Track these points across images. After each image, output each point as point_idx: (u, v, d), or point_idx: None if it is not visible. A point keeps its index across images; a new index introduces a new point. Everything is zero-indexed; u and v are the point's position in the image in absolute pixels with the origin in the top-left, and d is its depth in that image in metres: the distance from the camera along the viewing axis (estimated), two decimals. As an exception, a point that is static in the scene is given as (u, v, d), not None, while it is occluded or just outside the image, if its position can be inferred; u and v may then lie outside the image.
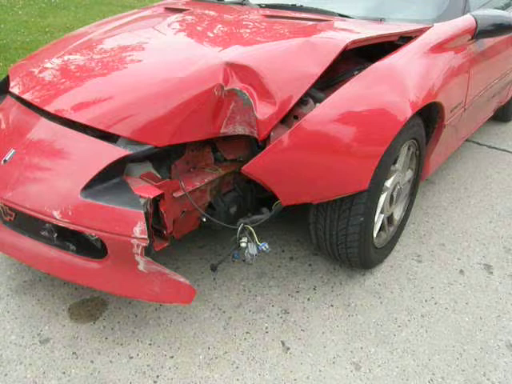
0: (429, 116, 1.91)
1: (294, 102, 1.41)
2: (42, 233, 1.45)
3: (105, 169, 1.33)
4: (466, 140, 3.19)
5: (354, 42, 1.48)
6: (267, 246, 1.45)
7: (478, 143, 3.23)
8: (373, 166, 1.48)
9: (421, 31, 1.84)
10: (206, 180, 1.56)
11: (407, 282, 1.84)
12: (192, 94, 1.42)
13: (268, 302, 1.71)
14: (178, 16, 2.09)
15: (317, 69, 1.43)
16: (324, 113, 1.41)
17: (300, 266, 1.91)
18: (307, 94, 1.46)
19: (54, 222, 1.32)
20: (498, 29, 2.10)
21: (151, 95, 1.45)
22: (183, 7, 2.28)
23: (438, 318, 1.66)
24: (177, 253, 1.92)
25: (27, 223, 1.46)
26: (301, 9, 2.09)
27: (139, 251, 1.27)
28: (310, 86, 1.43)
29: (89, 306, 1.65)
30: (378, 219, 1.80)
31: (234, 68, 1.45)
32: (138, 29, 1.98)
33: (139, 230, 1.25)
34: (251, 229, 1.46)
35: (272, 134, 1.42)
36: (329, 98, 1.44)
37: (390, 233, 1.95)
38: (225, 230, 1.55)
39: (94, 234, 1.29)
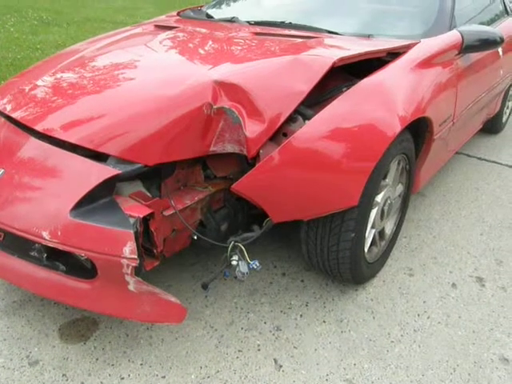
0: (418, 130, 1.92)
1: (283, 119, 1.42)
2: (32, 253, 1.44)
3: (94, 188, 1.32)
4: (456, 152, 3.22)
5: (341, 59, 1.50)
6: (258, 264, 1.44)
7: (468, 155, 3.26)
8: (363, 181, 1.49)
9: (408, 47, 1.87)
10: (196, 198, 1.56)
11: (400, 297, 1.84)
12: (181, 113, 1.43)
13: (260, 318, 1.70)
14: (169, 33, 2.11)
15: (305, 86, 1.44)
16: (313, 130, 1.42)
17: (292, 281, 1.91)
18: (296, 112, 1.47)
19: (43, 242, 1.31)
20: (484, 44, 2.15)
21: (141, 114, 1.45)
22: (174, 25, 2.30)
23: (430, 333, 1.66)
24: (168, 271, 1.91)
25: (16, 244, 1.45)
26: (290, 26, 2.11)
27: (129, 271, 1.26)
28: (298, 104, 1.44)
29: (79, 326, 1.63)
30: (370, 234, 1.80)
31: (223, 86, 1.46)
32: (128, 46, 1.99)
33: (129, 249, 1.24)
34: (242, 247, 1.46)
35: (261, 151, 1.43)
36: (318, 115, 1.45)
37: (382, 247, 1.96)
38: (216, 247, 1.55)
39: (83, 255, 1.28)
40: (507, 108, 3.71)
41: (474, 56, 2.32)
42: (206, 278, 1.55)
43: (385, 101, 1.59)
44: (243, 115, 1.42)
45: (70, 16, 7.21)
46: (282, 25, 2.13)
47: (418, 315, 1.74)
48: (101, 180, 1.33)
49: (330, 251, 1.66)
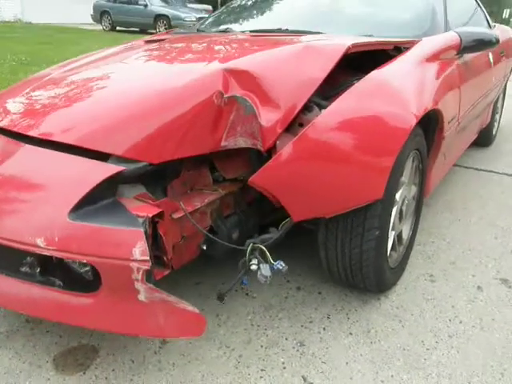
0: (427, 128, 1.85)
1: (299, 107, 1.32)
2: (23, 269, 1.26)
3: (95, 188, 1.17)
4: (453, 165, 3.18)
5: (355, 45, 1.43)
6: (283, 264, 1.30)
7: (465, 167, 3.22)
8: (386, 173, 1.38)
9: (412, 43, 1.82)
10: (206, 200, 1.42)
11: (426, 303, 1.70)
12: (189, 105, 1.32)
13: (280, 335, 1.53)
14: (163, 43, 2.02)
15: (320, 73, 1.35)
16: (331, 119, 1.32)
17: (309, 295, 1.75)
18: (311, 101, 1.38)
19: (38, 251, 1.14)
20: (481, 44, 2.13)
21: (144, 109, 1.34)
22: (166, 37, 2.23)
23: (467, 338, 1.52)
24: (170, 291, 1.73)
25: (4, 259, 1.27)
26: (287, 31, 2.06)
27: (140, 277, 1.10)
28: (314, 91, 1.34)
29: (77, 355, 1.43)
30: (390, 236, 1.68)
31: (234, 74, 1.36)
32: (125, 55, 1.89)
33: (139, 251, 1.08)
34: (263, 247, 1.32)
35: (278, 142, 1.32)
36: (334, 104, 1.35)
37: (401, 253, 1.83)
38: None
39: (85, 261, 1.12)
40: (495, 121, 3.73)
41: (471, 61, 2.30)
42: (217, 292, 1.39)
43: (399, 92, 1.52)
44: (257, 104, 1.32)
45: (49, 58, 7.14)
46: (278, 31, 2.08)
47: (450, 320, 1.60)
48: (102, 178, 1.19)
49: (352, 254, 1.52)
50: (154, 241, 1.26)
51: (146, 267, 1.09)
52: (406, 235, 1.87)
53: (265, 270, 1.29)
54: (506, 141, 3.95)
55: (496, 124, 3.79)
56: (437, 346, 1.48)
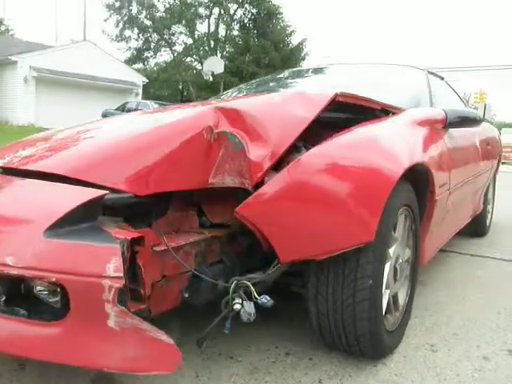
0: (418, 189, 1.84)
1: (287, 145, 1.33)
2: (-14, 298, 1.16)
3: (76, 210, 1.13)
4: (447, 251, 3.13)
5: (343, 94, 1.49)
6: (268, 298, 1.20)
7: (460, 253, 3.17)
8: (377, 214, 1.35)
9: (400, 110, 1.91)
10: (190, 239, 1.36)
11: (427, 370, 1.54)
12: (179, 140, 1.32)
13: (266, 397, 1.37)
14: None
15: (308, 114, 1.39)
16: (322, 154, 1.32)
17: (298, 360, 1.60)
18: (299, 143, 1.39)
19: (6, 270, 1.06)
20: (465, 120, 2.23)
21: (130, 145, 1.34)
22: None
23: (476, 405, 1.36)
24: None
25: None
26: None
27: (111, 297, 1.01)
28: (302, 131, 1.37)
29: None
30: (385, 294, 1.58)
31: (224, 112, 1.39)
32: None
33: (113, 266, 1.01)
34: (247, 283, 1.23)
35: (266, 179, 1.30)
36: (323, 144, 1.37)
37: (397, 318, 1.71)
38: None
39: (55, 279, 1.03)
40: (488, 212, 3.76)
41: (458, 138, 2.39)
42: (201, 332, 1.27)
43: (388, 145, 1.55)
44: (246, 140, 1.33)
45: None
46: None
47: (455, 388, 1.45)
48: (83, 201, 1.15)
49: (344, 306, 1.42)
50: (132, 273, 1.19)
51: (119, 285, 1.00)
52: (402, 301, 1.77)
53: (248, 307, 1.19)
54: (501, 232, 3.95)
55: (489, 215, 3.82)
56: (442, 414, 1.32)
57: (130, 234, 1.14)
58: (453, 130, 2.29)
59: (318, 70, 3.11)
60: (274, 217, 1.25)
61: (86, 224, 1.15)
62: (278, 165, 1.35)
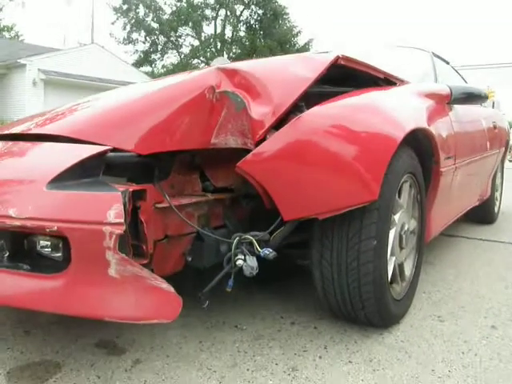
0: (424, 163, 1.82)
1: (289, 103, 1.32)
2: (-11, 254, 1.16)
3: (78, 163, 1.13)
4: (455, 236, 3.10)
5: (345, 57, 1.47)
6: (270, 250, 1.19)
7: (467, 237, 3.13)
8: (381, 172, 1.33)
9: (404, 82, 1.89)
10: (193, 200, 1.36)
11: (434, 338, 1.52)
12: (181, 100, 1.32)
13: (270, 361, 1.35)
14: None
15: (310, 74, 1.38)
16: (325, 110, 1.31)
17: (303, 329, 1.58)
18: (302, 101, 1.38)
19: (8, 222, 1.06)
20: (470, 97, 2.20)
21: (134, 106, 1.35)
22: None
23: (485, 368, 1.33)
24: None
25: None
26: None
27: (112, 243, 1.00)
28: (304, 90, 1.35)
29: (36, 370, 1.25)
30: (390, 261, 1.56)
31: (226, 72, 1.39)
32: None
33: (114, 213, 1.00)
34: (250, 237, 1.22)
35: (268, 136, 1.29)
36: (329, 100, 1.36)
37: (403, 288, 1.69)
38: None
39: (56, 228, 1.03)
40: (496, 199, 3.72)
41: (465, 117, 2.36)
42: (204, 288, 1.26)
43: (392, 108, 1.53)
44: (248, 99, 1.32)
45: None
46: None
47: (463, 353, 1.42)
48: (86, 155, 1.15)
49: (348, 269, 1.40)
50: (135, 230, 1.18)
51: (120, 231, 1.00)
52: (408, 271, 1.75)
53: (251, 261, 1.18)
54: (509, 220, 3.90)
55: (497, 203, 3.77)
56: (450, 375, 1.29)
57: (132, 186, 1.14)
58: (458, 107, 2.27)
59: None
60: (274, 173, 1.24)
61: (88, 179, 1.15)
62: (281, 124, 1.34)
